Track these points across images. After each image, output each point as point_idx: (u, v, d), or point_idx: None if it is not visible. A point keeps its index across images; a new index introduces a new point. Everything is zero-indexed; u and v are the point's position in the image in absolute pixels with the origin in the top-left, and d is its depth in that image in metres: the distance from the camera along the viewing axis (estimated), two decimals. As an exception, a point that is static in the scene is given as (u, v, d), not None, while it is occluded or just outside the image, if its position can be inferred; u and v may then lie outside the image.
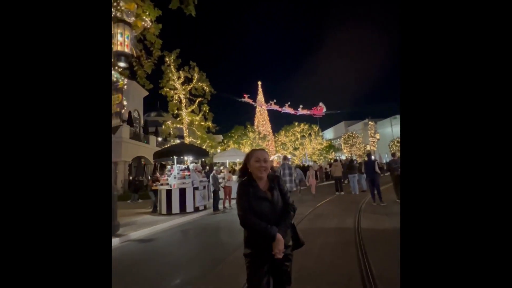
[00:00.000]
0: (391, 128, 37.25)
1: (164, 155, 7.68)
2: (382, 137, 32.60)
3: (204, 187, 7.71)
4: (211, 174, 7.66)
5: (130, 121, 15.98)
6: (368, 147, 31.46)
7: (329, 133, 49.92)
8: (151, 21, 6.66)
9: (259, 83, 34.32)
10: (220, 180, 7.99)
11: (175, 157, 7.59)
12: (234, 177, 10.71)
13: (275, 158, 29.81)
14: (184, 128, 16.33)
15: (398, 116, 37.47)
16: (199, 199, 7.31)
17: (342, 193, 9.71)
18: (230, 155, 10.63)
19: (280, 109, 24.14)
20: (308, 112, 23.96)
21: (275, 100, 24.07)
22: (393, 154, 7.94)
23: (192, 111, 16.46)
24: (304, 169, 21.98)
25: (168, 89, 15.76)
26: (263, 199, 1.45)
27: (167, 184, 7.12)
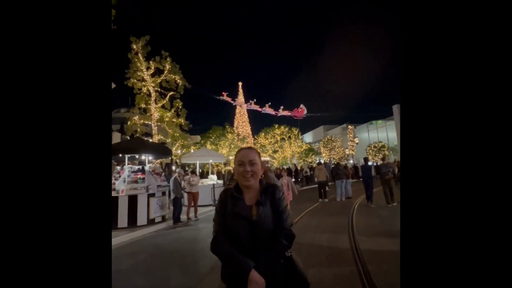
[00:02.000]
0: (368, 134, 37.95)
1: (113, 153, 6.08)
2: (359, 142, 32.93)
3: (164, 193, 6.23)
4: (172, 178, 6.17)
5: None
6: (347, 151, 31.52)
7: (308, 137, 49.98)
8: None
9: (240, 83, 33.19)
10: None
11: (126, 156, 6.03)
12: (210, 180, 9.32)
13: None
14: (152, 125, 14.58)
15: (374, 122, 38.50)
16: (155, 208, 5.81)
17: (326, 200, 8.73)
18: (200, 155, 9.16)
19: (260, 109, 23.09)
20: (289, 114, 23.18)
21: (255, 100, 22.91)
22: (383, 159, 8.37)
23: (163, 106, 14.79)
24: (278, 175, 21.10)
25: (135, 80, 13.97)
26: (241, 217, 1.10)
27: (114, 189, 5.57)
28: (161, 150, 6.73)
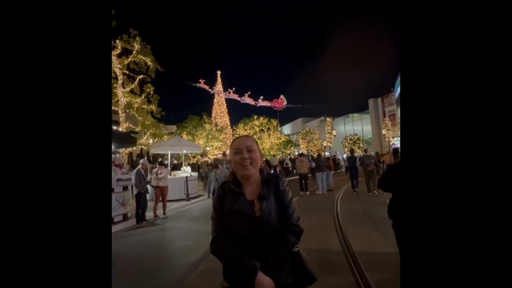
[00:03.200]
0: (344, 127, 38.82)
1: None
2: (336, 135, 33.55)
3: (126, 188, 5.29)
4: (135, 170, 5.25)
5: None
6: (325, 143, 31.93)
7: (286, 129, 50.08)
8: None
9: (219, 72, 31.79)
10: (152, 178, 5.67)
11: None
12: (182, 173, 8.43)
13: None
14: (119, 111, 13.17)
15: (351, 115, 39.45)
16: (114, 205, 4.91)
17: (307, 192, 8.36)
18: (172, 145, 8.17)
19: (239, 99, 22.22)
20: (269, 104, 22.60)
21: (234, 89, 21.91)
22: (365, 151, 9.01)
23: (132, 91, 13.39)
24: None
25: (98, 60, 12.40)
26: (242, 214, 1.00)
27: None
28: (124, 138, 5.75)
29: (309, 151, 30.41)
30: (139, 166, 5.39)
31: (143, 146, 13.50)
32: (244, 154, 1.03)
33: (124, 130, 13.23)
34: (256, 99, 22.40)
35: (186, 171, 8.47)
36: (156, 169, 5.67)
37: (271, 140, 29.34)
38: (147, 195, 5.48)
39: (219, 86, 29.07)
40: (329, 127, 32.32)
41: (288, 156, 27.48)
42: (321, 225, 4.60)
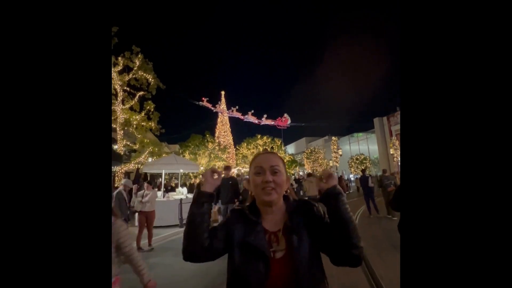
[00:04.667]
0: (349, 146, 37.95)
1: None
2: (342, 154, 32.59)
3: None
4: (115, 192, 4.42)
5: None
6: (330, 163, 30.93)
7: (290, 148, 49.38)
8: None
9: (223, 92, 31.95)
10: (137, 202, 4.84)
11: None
12: (177, 194, 7.56)
13: (234, 172, 27.42)
14: (117, 129, 12.66)
15: (355, 134, 38.77)
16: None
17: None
18: (167, 163, 7.43)
19: (242, 117, 21.79)
20: (272, 123, 22.07)
21: (237, 107, 21.58)
22: (384, 171, 8.45)
23: (131, 108, 12.99)
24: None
25: (98, 77, 12.15)
26: (256, 251, 0.80)
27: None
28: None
29: (315, 171, 29.39)
30: (120, 187, 4.58)
31: (139, 166, 12.79)
32: (267, 176, 0.87)
33: (121, 149, 12.66)
34: (259, 117, 21.95)
35: (181, 192, 7.62)
36: (141, 191, 4.86)
37: (275, 160, 28.47)
38: (133, 221, 4.62)
39: (222, 106, 28.99)
40: (335, 146, 31.51)
41: (293, 176, 26.47)
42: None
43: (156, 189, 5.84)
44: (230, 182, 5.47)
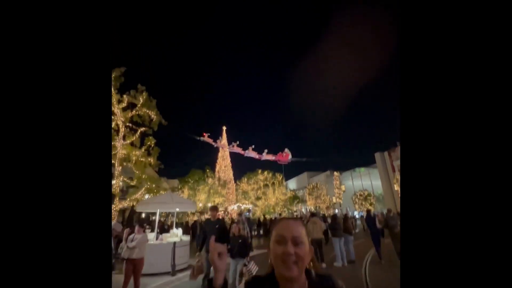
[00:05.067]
0: (352, 181, 37.18)
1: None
2: (345, 190, 31.71)
3: None
4: None
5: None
6: (334, 200, 29.90)
7: (291, 184, 48.43)
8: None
9: (224, 128, 32.55)
10: (126, 247, 4.40)
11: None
12: (171, 236, 7.01)
13: (234, 209, 26.39)
14: (116, 164, 12.49)
15: (358, 169, 38.26)
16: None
17: (324, 265, 6.72)
18: (161, 202, 7.01)
19: (243, 152, 21.66)
20: (273, 158, 21.88)
21: (237, 142, 21.64)
22: (389, 210, 7.91)
23: (132, 144, 12.98)
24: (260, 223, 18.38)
25: (102, 114, 12.40)
26: None
27: None
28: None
29: (318, 208, 28.31)
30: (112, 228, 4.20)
31: (135, 203, 12.29)
32: (289, 247, 0.82)
33: (118, 184, 12.32)
34: (260, 152, 21.88)
35: (176, 234, 7.07)
36: (132, 235, 4.46)
37: (276, 196, 27.71)
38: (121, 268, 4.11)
39: (223, 141, 29.20)
40: (337, 182, 30.84)
41: (295, 214, 25.35)
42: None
43: (147, 233, 5.36)
44: (217, 226, 4.65)
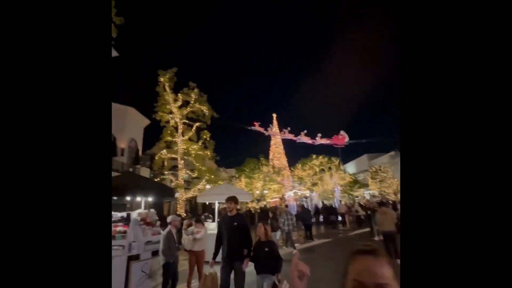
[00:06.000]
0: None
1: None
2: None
3: (155, 253, 4.28)
4: (164, 232, 4.08)
5: (113, 151, 13.61)
6: (402, 183, 26.68)
7: (350, 167, 45.29)
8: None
9: (274, 115, 32.27)
10: (185, 240, 4.60)
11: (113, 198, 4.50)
12: (213, 226, 7.22)
13: (291, 195, 26.28)
14: (178, 159, 13.64)
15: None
16: (139, 278, 3.94)
17: (398, 261, 5.87)
18: (219, 193, 7.25)
19: (295, 138, 21.02)
20: (328, 142, 20.59)
21: (289, 128, 21.07)
22: None
23: (190, 139, 13.92)
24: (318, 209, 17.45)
25: (162, 113, 13.57)
26: None
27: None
28: (160, 190, 5.08)
29: (383, 192, 25.79)
30: (169, 227, 4.35)
31: (197, 193, 13.30)
32: None
33: (181, 177, 13.51)
34: (313, 137, 20.86)
35: (235, 224, 7.27)
36: (192, 228, 4.63)
37: (334, 181, 26.33)
38: (176, 264, 4.33)
39: (274, 128, 29.02)
40: (405, 163, 27.29)
41: (357, 200, 23.72)
42: None
43: (209, 222, 5.58)
44: (236, 223, 3.39)
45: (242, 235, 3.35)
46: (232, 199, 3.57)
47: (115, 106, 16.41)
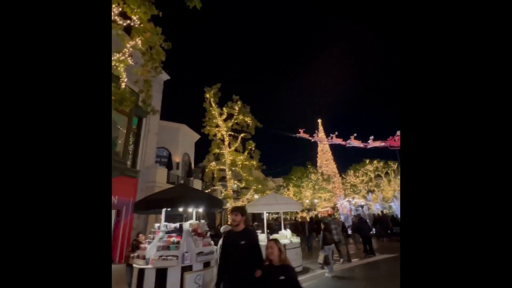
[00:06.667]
0: None
1: (151, 206, 4.89)
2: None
3: (208, 264, 4.29)
4: (220, 242, 4.20)
5: (169, 164, 14.84)
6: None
7: (413, 171, 40.21)
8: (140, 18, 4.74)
9: (319, 121, 31.25)
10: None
11: (163, 210, 4.73)
12: (280, 238, 6.99)
13: (343, 203, 24.52)
14: (226, 169, 14.13)
15: None
16: (192, 289, 3.99)
17: None
18: (267, 204, 7.08)
19: (344, 143, 19.78)
20: (383, 144, 18.77)
21: (336, 133, 19.95)
22: None
23: (236, 150, 14.33)
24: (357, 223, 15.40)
25: (210, 127, 14.36)
26: None
27: (144, 257, 4.21)
28: (209, 200, 5.19)
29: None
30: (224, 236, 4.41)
31: (246, 202, 13.43)
32: None
33: (230, 188, 13.90)
34: (365, 140, 19.28)
35: (285, 235, 6.96)
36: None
37: (393, 187, 23.62)
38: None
39: (321, 134, 27.91)
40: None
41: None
42: None
43: (257, 234, 5.46)
44: (244, 241, 2.62)
45: (252, 257, 2.52)
46: (238, 210, 2.80)
47: (169, 124, 18.06)
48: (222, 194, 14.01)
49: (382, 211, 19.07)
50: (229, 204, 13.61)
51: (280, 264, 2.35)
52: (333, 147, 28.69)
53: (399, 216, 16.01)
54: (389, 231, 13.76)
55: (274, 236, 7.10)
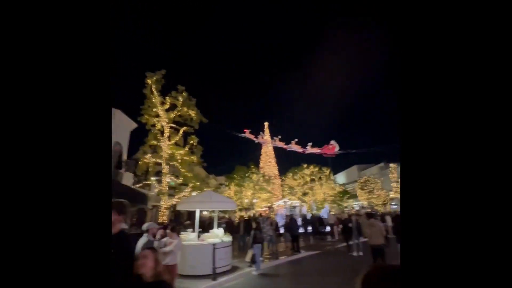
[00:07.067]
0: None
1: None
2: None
3: None
4: (140, 240, 3.58)
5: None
6: (391, 194, 26.73)
7: (340, 178, 45.44)
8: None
9: (266, 123, 32.19)
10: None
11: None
12: (211, 236, 6.71)
13: (280, 204, 25.83)
14: (162, 164, 13.09)
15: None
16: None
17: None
18: (201, 201, 6.77)
19: (285, 147, 20.85)
20: (319, 151, 20.51)
21: (280, 136, 20.90)
22: None
23: (176, 144, 13.43)
24: (307, 220, 16.73)
25: (148, 117, 13.06)
26: None
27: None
28: (132, 195, 4.59)
29: (372, 204, 25.72)
30: (145, 235, 3.91)
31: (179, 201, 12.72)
32: None
33: (166, 183, 12.91)
34: (304, 146, 20.73)
35: (216, 234, 6.74)
36: (165, 239, 4.16)
37: (324, 191, 26.11)
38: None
39: (266, 136, 28.80)
40: (394, 175, 27.45)
41: (346, 210, 23.52)
42: None
43: (188, 233, 5.13)
44: (116, 247, 1.85)
45: (118, 269, 1.76)
46: (114, 207, 1.95)
47: (99, 108, 15.77)
48: (156, 190, 12.93)
49: (312, 213, 20.79)
50: (163, 202, 12.65)
51: (154, 280, 1.83)
52: (276, 150, 30.04)
53: (325, 217, 17.70)
54: (316, 231, 15.14)
55: (206, 234, 6.83)
